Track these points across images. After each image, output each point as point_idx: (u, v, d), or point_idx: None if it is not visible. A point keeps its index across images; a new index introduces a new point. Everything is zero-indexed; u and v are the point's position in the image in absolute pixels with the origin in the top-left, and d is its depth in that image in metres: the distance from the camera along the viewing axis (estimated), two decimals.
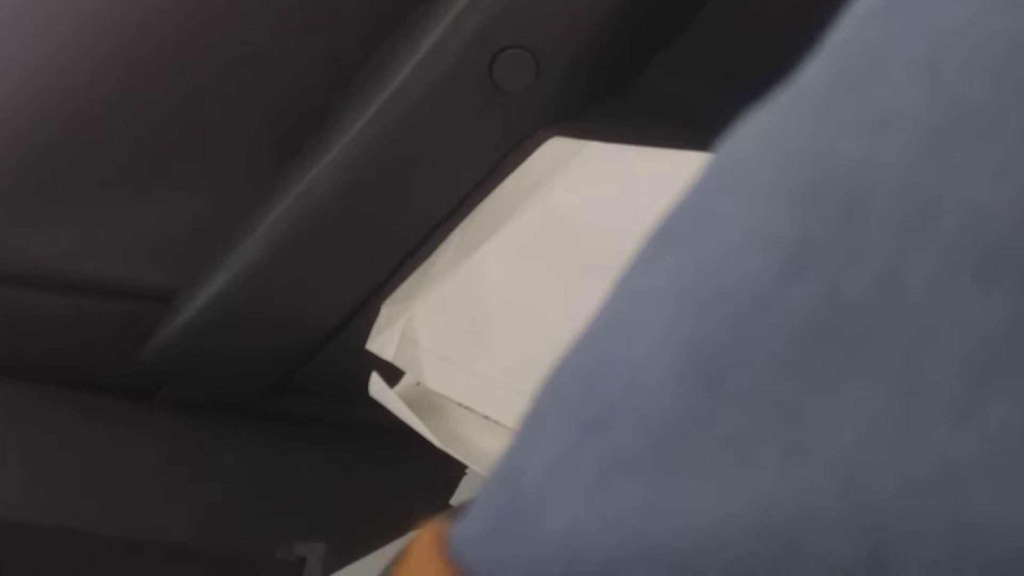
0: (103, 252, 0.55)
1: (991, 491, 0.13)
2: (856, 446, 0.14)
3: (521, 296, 0.44)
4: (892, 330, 0.14)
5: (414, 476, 0.54)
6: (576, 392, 0.17)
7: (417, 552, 0.18)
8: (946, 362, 0.14)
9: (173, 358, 0.55)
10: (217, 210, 0.54)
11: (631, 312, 0.17)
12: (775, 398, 0.15)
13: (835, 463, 0.14)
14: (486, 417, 0.43)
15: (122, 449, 0.56)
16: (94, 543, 0.50)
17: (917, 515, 0.13)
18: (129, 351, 0.56)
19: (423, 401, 0.45)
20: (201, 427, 0.57)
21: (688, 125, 0.41)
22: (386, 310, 0.50)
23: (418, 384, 0.45)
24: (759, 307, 0.15)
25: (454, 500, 0.49)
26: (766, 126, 0.17)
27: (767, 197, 0.16)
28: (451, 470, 0.47)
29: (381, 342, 0.47)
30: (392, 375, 0.47)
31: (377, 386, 0.45)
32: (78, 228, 0.54)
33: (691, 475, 0.15)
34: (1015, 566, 0.13)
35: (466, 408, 0.43)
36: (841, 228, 0.15)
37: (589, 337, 0.17)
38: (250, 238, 0.52)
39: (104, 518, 0.53)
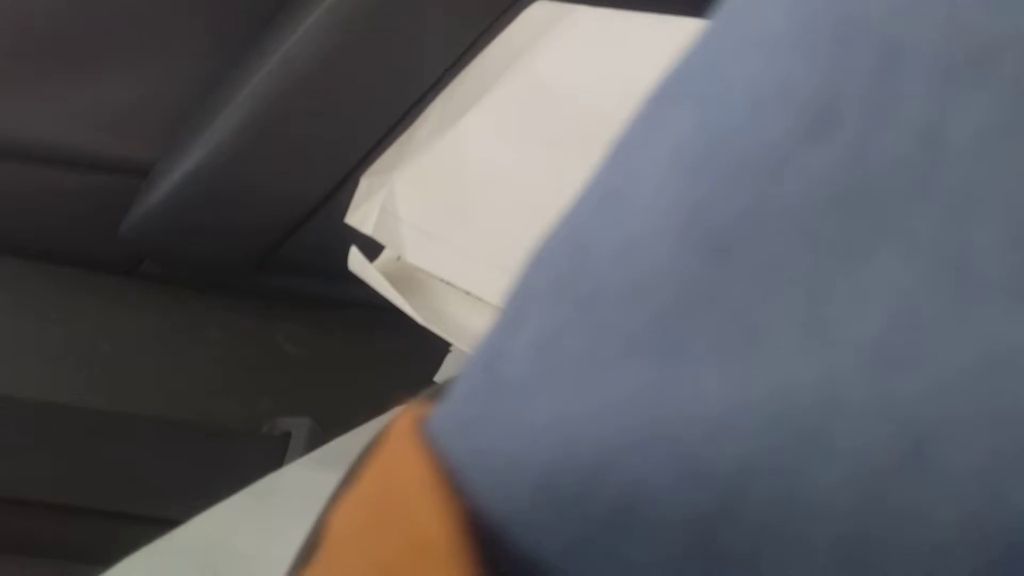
0: (81, 125, 0.53)
1: None
2: (887, 328, 0.12)
3: (505, 168, 0.42)
4: (930, 195, 0.12)
5: (398, 352, 0.54)
6: (567, 266, 0.15)
7: (394, 438, 0.16)
8: (994, 230, 0.12)
9: (151, 233, 0.54)
10: (195, 82, 0.53)
11: (629, 179, 0.15)
12: (793, 273, 0.13)
13: (863, 347, 0.12)
14: (468, 293, 0.42)
15: (105, 324, 0.56)
16: (79, 417, 0.50)
17: (963, 406, 0.12)
18: (108, 226, 0.55)
19: (404, 276, 0.44)
20: (184, 303, 0.57)
21: None
22: (365, 182, 0.48)
23: (398, 259, 0.44)
24: (776, 171, 0.13)
25: (439, 377, 0.49)
26: None
27: (786, 48, 0.14)
28: (435, 346, 0.46)
29: (360, 215, 0.45)
30: (373, 250, 0.46)
31: (356, 261, 0.44)
32: (56, 101, 0.53)
33: (697, 358, 0.13)
34: None
35: (448, 284, 0.43)
36: (874, 80, 0.13)
37: (581, 207, 0.16)
38: (228, 109, 0.51)
39: (89, 392, 0.53)
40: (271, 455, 0.51)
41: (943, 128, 0.13)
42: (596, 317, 0.14)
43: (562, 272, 0.15)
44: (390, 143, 0.50)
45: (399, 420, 0.16)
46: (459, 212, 0.43)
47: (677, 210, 0.14)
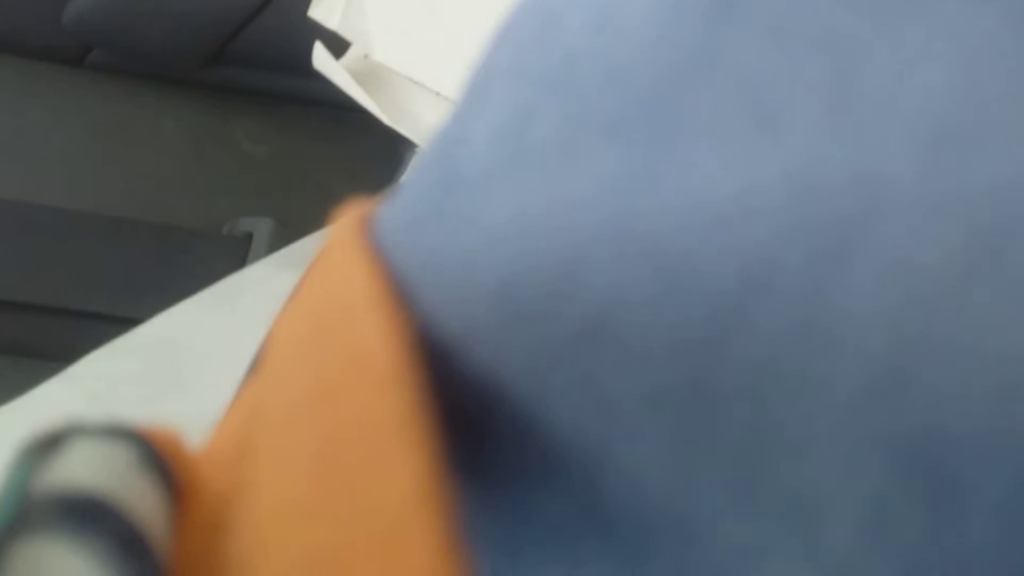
0: None
1: None
2: (948, 95, 0.10)
3: None
4: None
5: (363, 153, 0.52)
6: (533, 40, 0.13)
7: (338, 240, 0.14)
8: None
9: (98, 18, 0.51)
10: None
11: None
12: (818, 33, 0.10)
13: (914, 119, 0.10)
14: (437, 93, 0.41)
15: (56, 118, 0.53)
16: (36, 214, 0.49)
17: None
18: (53, 13, 0.52)
19: (370, 74, 0.42)
20: (136, 94, 0.54)
21: None
22: None
23: (365, 56, 0.42)
24: None
25: (403, 179, 0.48)
26: None
27: None
28: (402, 147, 0.45)
29: (324, 9, 0.43)
30: (338, 45, 0.44)
31: (321, 57, 0.42)
32: None
33: (692, 139, 0.11)
34: None
35: (416, 83, 0.41)
36: None
37: None
38: None
39: (42, 189, 0.52)
40: (233, 256, 0.50)
41: None
42: (569, 95, 0.12)
43: (528, 47, 0.13)
44: None
45: (344, 220, 0.14)
46: (430, 6, 0.41)
47: None
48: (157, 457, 0.12)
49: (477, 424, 0.12)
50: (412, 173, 0.14)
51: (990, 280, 0.09)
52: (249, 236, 0.50)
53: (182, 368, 0.39)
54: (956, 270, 0.09)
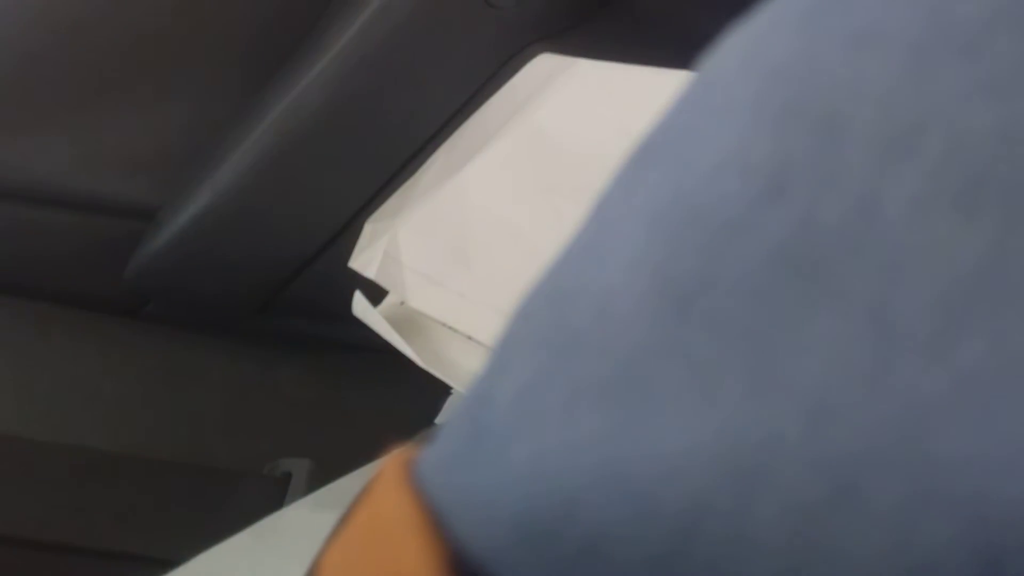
0: (87, 168, 0.54)
1: (960, 430, 0.13)
2: (822, 378, 0.13)
3: (506, 216, 0.43)
4: (866, 259, 0.14)
5: (400, 396, 0.54)
6: (548, 317, 0.16)
7: (383, 478, 0.17)
8: (919, 295, 0.13)
9: (156, 275, 0.55)
10: (202, 125, 0.54)
11: (605, 234, 0.16)
12: (743, 326, 0.14)
13: (800, 394, 0.13)
14: (469, 337, 0.43)
15: (109, 366, 0.56)
16: (80, 456, 0.50)
17: (884, 451, 0.13)
18: (114, 269, 0.55)
19: (406, 320, 0.44)
20: (186, 345, 0.57)
21: (678, 43, 0.41)
22: (369, 228, 0.49)
23: (401, 303, 0.45)
24: (732, 231, 0.15)
25: (439, 420, 0.49)
26: (747, 42, 0.16)
27: (747, 117, 0.15)
28: (437, 390, 0.47)
29: (364, 260, 0.46)
30: (377, 294, 0.46)
31: (360, 305, 0.44)
32: (62, 143, 0.54)
33: (656, 404, 0.14)
34: (984, 505, 0.12)
35: (449, 328, 0.43)
36: (820, 150, 0.14)
37: (564, 260, 0.17)
38: (235, 154, 0.52)
39: (92, 433, 0.54)
40: (271, 496, 0.51)
41: (879, 197, 0.14)
42: (571, 366, 0.15)
43: (543, 322, 0.16)
44: (393, 189, 0.51)
45: (389, 461, 0.17)
46: (461, 258, 0.43)
47: (645, 266, 0.15)
48: None
49: None
50: (448, 423, 0.17)
51: (850, 516, 0.13)
52: (288, 476, 0.51)
53: None
54: (824, 497, 0.13)
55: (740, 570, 0.14)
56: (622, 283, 0.15)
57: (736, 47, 0.16)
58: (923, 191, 0.14)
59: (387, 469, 0.17)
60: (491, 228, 0.43)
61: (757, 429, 0.14)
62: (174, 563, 0.40)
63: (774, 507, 0.13)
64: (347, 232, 0.52)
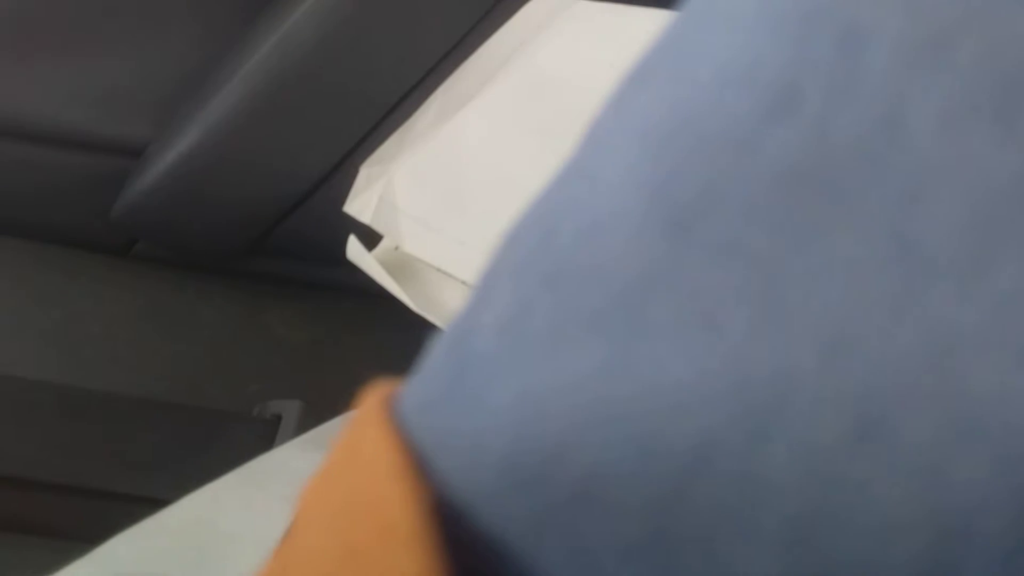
0: (75, 104, 0.53)
1: (995, 362, 0.11)
2: (840, 306, 0.12)
3: (503, 160, 0.43)
4: (889, 177, 0.12)
5: (393, 341, 0.54)
6: (534, 244, 0.15)
7: (363, 417, 0.16)
8: (949, 215, 0.12)
9: (143, 213, 0.54)
10: (191, 63, 0.53)
11: (597, 157, 0.15)
12: (750, 252, 0.13)
13: (815, 324, 0.12)
14: (464, 282, 0.42)
15: (97, 305, 0.56)
16: (70, 396, 0.50)
17: (912, 385, 0.12)
18: (102, 207, 0.55)
19: (401, 265, 0.44)
20: (178, 286, 0.57)
21: None
22: (365, 172, 0.49)
23: (396, 248, 0.44)
24: (737, 150, 0.13)
25: (422, 363, 0.49)
26: None
27: (751, 27, 0.14)
28: (430, 335, 0.46)
29: (359, 205, 0.46)
30: (370, 238, 0.46)
31: (355, 249, 0.44)
32: (49, 80, 0.53)
33: (657, 335, 0.13)
34: (1022, 443, 0.11)
35: (444, 273, 0.43)
36: (837, 60, 0.13)
37: (553, 185, 0.16)
38: (223, 91, 0.51)
39: (80, 372, 0.53)
40: (261, 437, 0.51)
41: (903, 110, 0.13)
42: (560, 294, 0.14)
43: (530, 250, 0.15)
44: (386, 130, 0.50)
45: (368, 399, 0.16)
46: (457, 203, 0.43)
47: (642, 189, 0.14)
48: None
49: None
50: (429, 358, 0.16)
51: (876, 455, 0.12)
52: (278, 418, 0.51)
53: (209, 549, 0.39)
54: (843, 436, 0.12)
55: (748, 514, 0.13)
56: (616, 206, 0.14)
57: None
58: (954, 102, 0.12)
59: (366, 407, 0.16)
60: (488, 173, 0.43)
61: (767, 361, 0.13)
62: (163, 502, 0.40)
63: (787, 445, 0.12)
64: (339, 173, 0.51)
